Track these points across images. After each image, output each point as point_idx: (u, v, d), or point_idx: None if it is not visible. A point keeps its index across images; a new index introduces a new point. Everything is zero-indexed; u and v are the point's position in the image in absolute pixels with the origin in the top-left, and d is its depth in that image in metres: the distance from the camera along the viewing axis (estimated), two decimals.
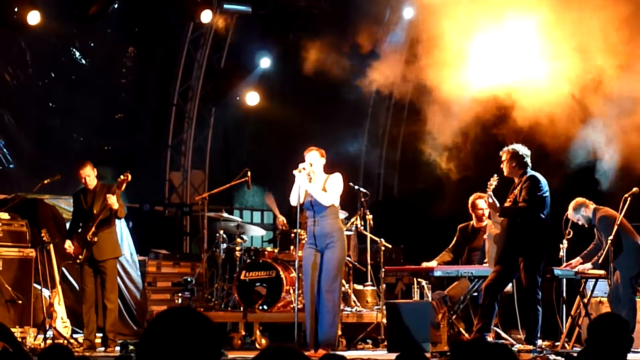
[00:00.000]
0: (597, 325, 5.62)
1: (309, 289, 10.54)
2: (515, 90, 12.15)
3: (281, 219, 13.28)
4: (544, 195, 10.65)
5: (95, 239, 11.70)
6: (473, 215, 12.07)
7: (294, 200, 10.67)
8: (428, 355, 10.19)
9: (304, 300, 10.76)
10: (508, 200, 10.71)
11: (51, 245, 12.26)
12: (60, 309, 12.08)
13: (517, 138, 11.54)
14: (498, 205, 10.63)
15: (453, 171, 13.73)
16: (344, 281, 12.71)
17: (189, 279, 12.99)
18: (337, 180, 10.65)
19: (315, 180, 10.66)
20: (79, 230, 11.82)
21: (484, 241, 11.63)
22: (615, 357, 5.49)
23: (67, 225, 12.70)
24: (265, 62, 17.19)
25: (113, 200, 11.60)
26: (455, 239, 12.21)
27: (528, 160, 10.79)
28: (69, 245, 11.84)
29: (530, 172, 10.75)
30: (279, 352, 4.36)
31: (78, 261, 11.82)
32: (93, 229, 11.69)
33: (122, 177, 11.65)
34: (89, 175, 11.84)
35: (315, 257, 10.54)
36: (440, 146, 13.52)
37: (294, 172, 10.61)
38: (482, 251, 11.73)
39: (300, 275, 10.82)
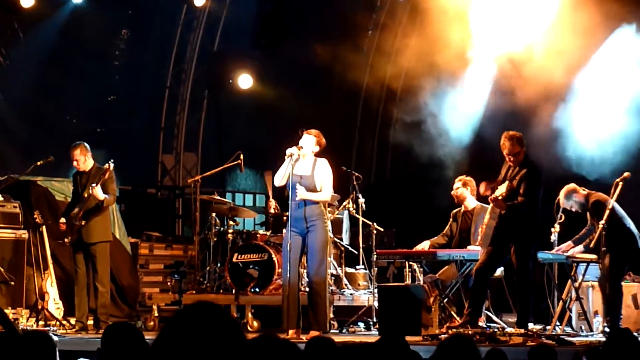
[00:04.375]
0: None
1: (287, 270, 10.47)
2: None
3: (272, 202, 13.27)
4: (541, 187, 10.67)
5: (83, 222, 11.67)
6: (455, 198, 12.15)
7: (278, 180, 10.62)
8: (419, 338, 10.22)
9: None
10: (506, 188, 10.62)
11: (44, 227, 12.28)
12: (52, 291, 12.09)
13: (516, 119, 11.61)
14: (504, 204, 10.62)
15: (446, 155, 13.75)
16: (335, 263, 12.74)
17: (181, 262, 13.01)
18: (326, 171, 10.54)
19: (304, 161, 10.60)
20: (71, 212, 11.82)
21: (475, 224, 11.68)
22: None
23: (62, 206, 12.73)
24: (258, 46, 17.17)
25: (97, 192, 11.56)
26: (449, 224, 12.23)
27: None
28: (62, 222, 11.84)
29: (530, 162, 10.73)
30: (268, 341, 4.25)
31: (66, 241, 11.81)
32: (82, 212, 11.69)
33: (105, 166, 11.65)
34: (79, 158, 11.80)
35: (296, 240, 10.50)
36: (433, 129, 13.53)
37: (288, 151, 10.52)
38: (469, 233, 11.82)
39: None
